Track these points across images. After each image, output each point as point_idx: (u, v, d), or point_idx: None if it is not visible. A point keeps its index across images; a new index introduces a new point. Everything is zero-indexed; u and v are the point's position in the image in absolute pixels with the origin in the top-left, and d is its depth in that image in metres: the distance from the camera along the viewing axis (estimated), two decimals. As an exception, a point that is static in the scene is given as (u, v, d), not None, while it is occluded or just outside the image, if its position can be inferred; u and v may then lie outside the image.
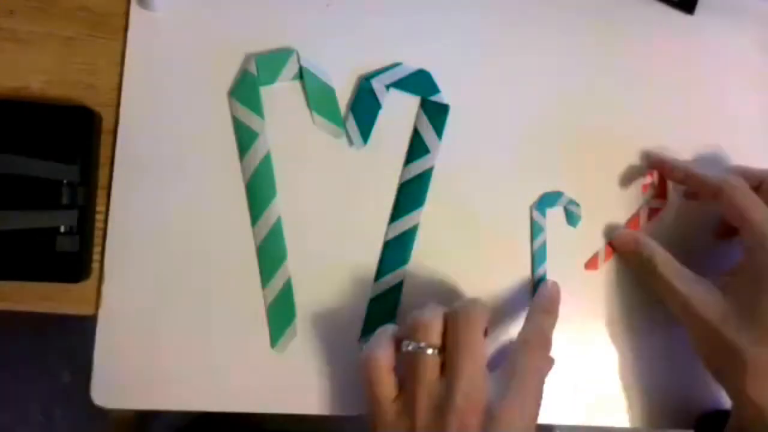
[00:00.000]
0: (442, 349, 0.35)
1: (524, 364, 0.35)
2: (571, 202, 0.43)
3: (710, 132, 0.46)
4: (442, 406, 0.33)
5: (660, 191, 0.45)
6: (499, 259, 0.42)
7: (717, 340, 0.37)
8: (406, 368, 0.35)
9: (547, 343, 0.37)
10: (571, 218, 0.43)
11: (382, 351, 0.35)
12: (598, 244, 0.44)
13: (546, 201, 0.43)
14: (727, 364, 0.37)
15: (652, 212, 0.45)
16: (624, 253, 0.43)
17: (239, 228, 0.40)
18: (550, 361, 0.38)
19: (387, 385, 0.35)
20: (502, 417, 0.33)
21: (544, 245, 0.43)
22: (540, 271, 0.42)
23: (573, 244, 0.44)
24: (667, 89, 0.46)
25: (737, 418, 0.38)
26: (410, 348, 0.35)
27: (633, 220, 0.44)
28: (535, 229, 0.43)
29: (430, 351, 0.34)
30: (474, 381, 0.33)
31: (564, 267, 0.43)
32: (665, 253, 0.41)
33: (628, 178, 0.45)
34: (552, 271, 0.43)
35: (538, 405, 0.35)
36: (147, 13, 0.40)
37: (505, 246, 0.43)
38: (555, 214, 0.43)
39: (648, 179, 0.45)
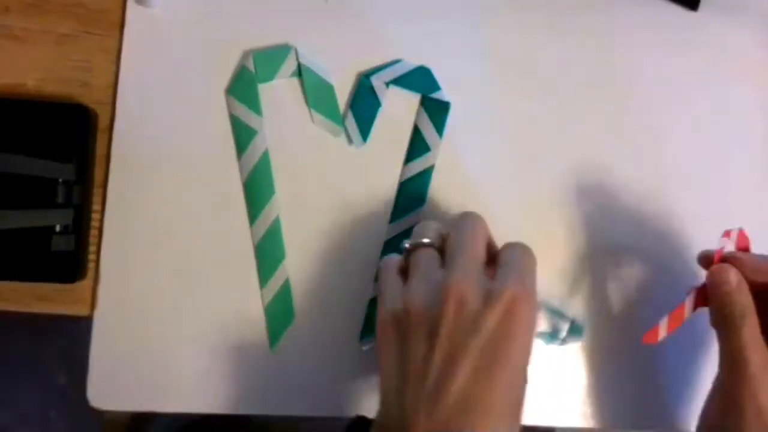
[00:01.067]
0: (443, 252, 0.35)
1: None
2: (574, 329, 0.41)
3: (712, 128, 0.46)
4: (438, 289, 0.32)
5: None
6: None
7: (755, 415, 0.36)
8: (408, 265, 0.35)
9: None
10: (576, 333, 0.42)
11: (391, 258, 0.36)
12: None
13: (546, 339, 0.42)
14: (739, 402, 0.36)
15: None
16: (716, 292, 0.38)
17: (237, 227, 0.39)
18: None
19: (393, 280, 0.34)
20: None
21: (580, 326, 0.42)
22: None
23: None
24: (668, 85, 0.46)
25: None
26: (407, 245, 0.35)
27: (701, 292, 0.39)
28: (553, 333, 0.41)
29: (426, 240, 0.35)
30: (470, 268, 0.33)
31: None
32: (755, 315, 0.37)
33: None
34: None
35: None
36: (143, 10, 0.39)
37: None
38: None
39: (724, 242, 0.39)
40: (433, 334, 0.31)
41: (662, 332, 0.38)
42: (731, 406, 0.36)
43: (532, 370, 0.33)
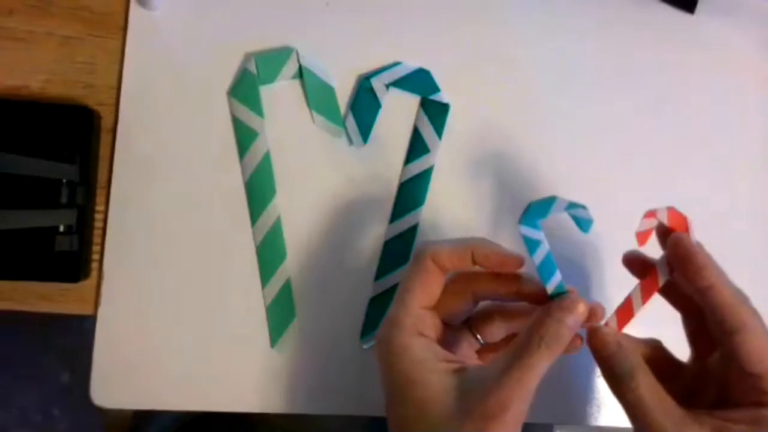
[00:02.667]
0: None
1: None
2: (572, 205, 0.33)
3: (710, 131, 0.46)
4: None
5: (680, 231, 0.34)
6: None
7: None
8: None
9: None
10: (581, 223, 0.34)
11: None
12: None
13: (535, 212, 0.33)
14: None
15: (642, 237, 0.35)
16: (600, 358, 0.33)
17: (239, 227, 0.40)
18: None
19: None
20: None
21: (548, 257, 0.33)
22: (553, 283, 0.33)
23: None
24: (667, 88, 0.46)
25: None
26: None
27: (650, 280, 0.34)
28: (530, 246, 0.33)
29: None
30: None
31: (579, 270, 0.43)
32: (649, 374, 0.32)
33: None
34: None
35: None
36: (146, 12, 0.40)
37: (508, 245, 0.43)
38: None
39: (647, 223, 0.34)
40: None
41: (619, 321, 0.34)
42: None
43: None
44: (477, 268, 0.33)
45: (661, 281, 0.34)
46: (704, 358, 0.35)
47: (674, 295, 0.36)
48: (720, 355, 0.34)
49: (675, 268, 0.34)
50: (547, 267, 0.33)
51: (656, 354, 0.35)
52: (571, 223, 0.34)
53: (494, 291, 0.34)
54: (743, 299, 0.32)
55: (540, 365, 0.30)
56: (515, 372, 0.29)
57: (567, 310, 0.31)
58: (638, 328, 0.35)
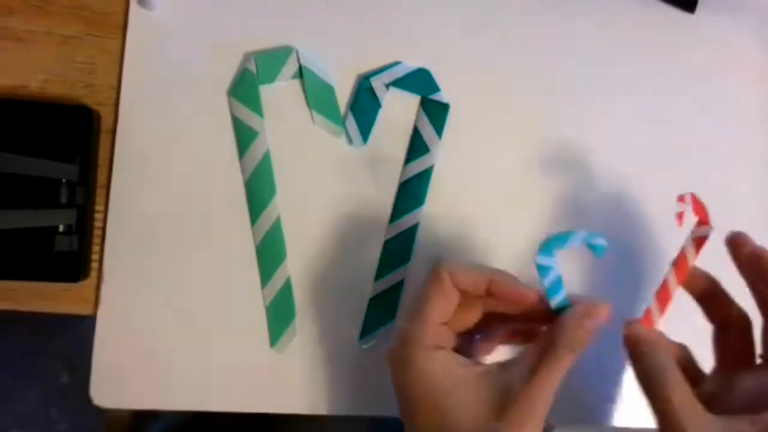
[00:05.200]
0: None
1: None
2: (591, 235, 0.34)
3: (710, 130, 0.46)
4: None
5: (701, 217, 0.36)
6: (501, 257, 0.42)
7: None
8: None
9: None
10: (595, 249, 0.35)
11: None
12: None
13: (553, 243, 0.34)
14: None
15: (699, 243, 0.36)
16: (634, 354, 0.35)
17: (239, 227, 0.40)
18: None
19: None
20: None
21: (557, 280, 0.35)
22: (557, 299, 0.34)
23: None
24: (667, 88, 0.46)
25: None
26: None
27: (680, 262, 0.36)
28: (542, 271, 0.34)
29: None
30: None
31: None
32: (680, 374, 0.33)
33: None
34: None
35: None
36: (146, 12, 0.40)
37: (507, 244, 0.43)
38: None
39: (680, 206, 0.36)
40: None
41: (656, 315, 0.35)
42: None
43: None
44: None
45: (691, 261, 0.36)
46: (726, 371, 0.36)
47: (713, 307, 0.37)
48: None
49: (744, 272, 0.36)
50: (555, 287, 0.34)
51: (684, 358, 0.36)
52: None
53: (505, 309, 0.36)
54: None
55: (565, 367, 0.31)
56: (542, 375, 0.31)
57: (588, 314, 0.32)
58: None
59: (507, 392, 0.31)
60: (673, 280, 0.36)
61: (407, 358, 0.33)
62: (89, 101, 0.39)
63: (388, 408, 0.35)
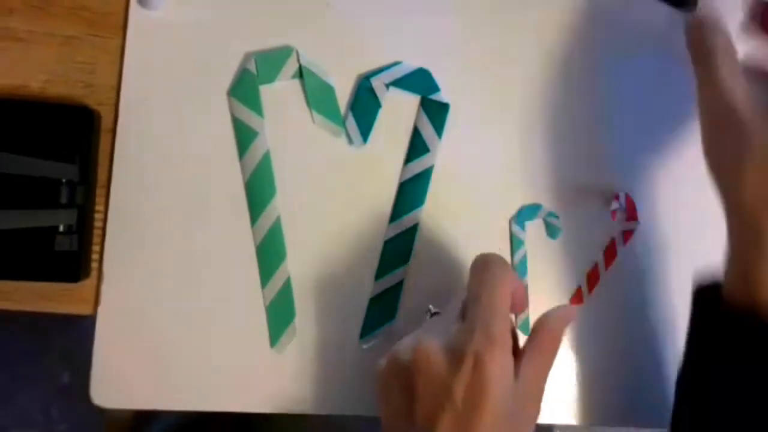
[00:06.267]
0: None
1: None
2: (551, 214, 0.43)
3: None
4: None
5: (630, 213, 0.44)
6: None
7: (731, 123, 0.35)
8: None
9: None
10: (551, 230, 0.43)
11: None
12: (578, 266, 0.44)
13: (525, 214, 0.42)
14: (730, 150, 0.36)
15: (627, 235, 0.44)
16: (691, 39, 0.39)
17: (239, 227, 0.40)
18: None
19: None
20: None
21: (524, 258, 0.43)
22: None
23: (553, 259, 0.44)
24: (667, 87, 0.46)
25: (730, 230, 0.37)
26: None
27: (610, 248, 0.44)
28: (515, 243, 0.42)
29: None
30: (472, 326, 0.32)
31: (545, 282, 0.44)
32: (729, 44, 0.37)
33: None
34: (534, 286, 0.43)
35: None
36: (146, 12, 0.40)
37: (500, 243, 0.43)
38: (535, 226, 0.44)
39: (615, 204, 0.44)
40: (412, 389, 0.31)
41: (585, 294, 0.43)
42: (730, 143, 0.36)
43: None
44: None
45: (619, 249, 0.44)
46: None
47: None
48: None
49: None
50: (521, 268, 0.42)
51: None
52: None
53: None
54: None
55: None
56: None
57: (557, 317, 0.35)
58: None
59: (525, 397, 0.33)
60: (602, 263, 0.44)
61: (497, 364, 0.31)
62: (89, 101, 0.39)
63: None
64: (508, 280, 0.33)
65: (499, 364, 0.31)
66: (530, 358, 0.33)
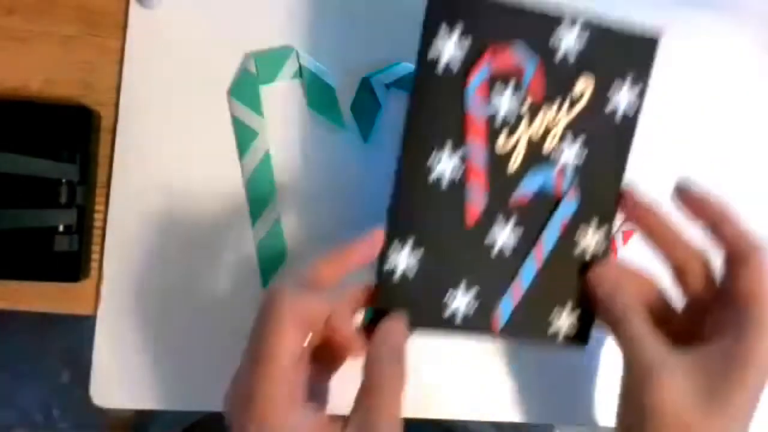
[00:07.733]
0: None
1: None
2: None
3: (710, 132, 0.46)
4: None
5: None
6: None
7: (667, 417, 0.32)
8: None
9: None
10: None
11: None
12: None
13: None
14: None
15: (626, 235, 0.44)
16: (599, 293, 0.36)
17: (239, 227, 0.40)
18: None
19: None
20: None
21: None
22: None
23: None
24: (667, 87, 0.46)
25: None
26: None
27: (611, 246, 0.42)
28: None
29: None
30: None
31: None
32: (642, 313, 0.35)
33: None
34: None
35: None
36: (146, 12, 0.40)
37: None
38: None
39: None
40: None
41: None
42: (634, 405, 0.33)
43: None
44: None
45: (618, 247, 0.44)
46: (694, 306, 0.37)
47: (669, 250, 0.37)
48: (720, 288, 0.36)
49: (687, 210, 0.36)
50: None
51: (652, 293, 0.37)
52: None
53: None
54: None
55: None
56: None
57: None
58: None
59: None
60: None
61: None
62: (89, 101, 0.39)
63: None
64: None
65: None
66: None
